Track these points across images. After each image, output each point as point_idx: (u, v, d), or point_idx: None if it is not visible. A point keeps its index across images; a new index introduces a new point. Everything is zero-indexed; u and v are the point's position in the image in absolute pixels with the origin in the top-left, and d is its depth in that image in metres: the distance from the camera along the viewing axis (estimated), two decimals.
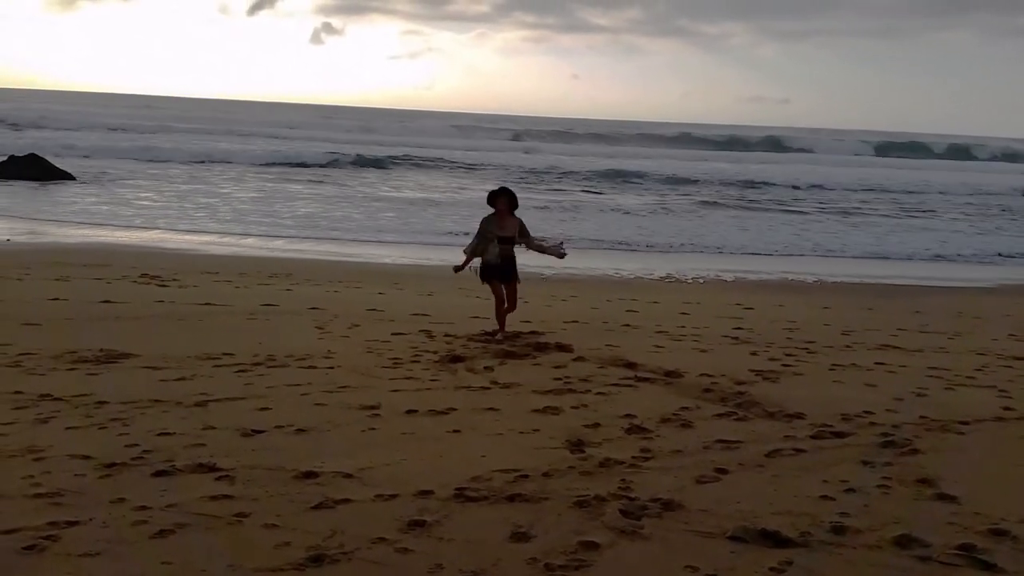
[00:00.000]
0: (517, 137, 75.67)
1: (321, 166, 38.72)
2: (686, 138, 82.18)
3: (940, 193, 38.96)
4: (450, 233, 20.26)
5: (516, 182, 34.60)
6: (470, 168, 42.32)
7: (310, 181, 32.97)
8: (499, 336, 9.00)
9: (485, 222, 9.27)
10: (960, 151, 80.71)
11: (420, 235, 20.78)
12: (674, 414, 6.41)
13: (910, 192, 38.98)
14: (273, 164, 37.85)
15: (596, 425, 6.08)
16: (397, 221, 23.09)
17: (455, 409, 6.39)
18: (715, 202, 31.86)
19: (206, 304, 10.29)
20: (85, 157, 35.50)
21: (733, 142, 79.72)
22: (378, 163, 41.27)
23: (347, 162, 40.59)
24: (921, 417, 6.51)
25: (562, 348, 8.60)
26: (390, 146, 50.02)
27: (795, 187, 39.05)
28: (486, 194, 9.47)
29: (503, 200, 9.19)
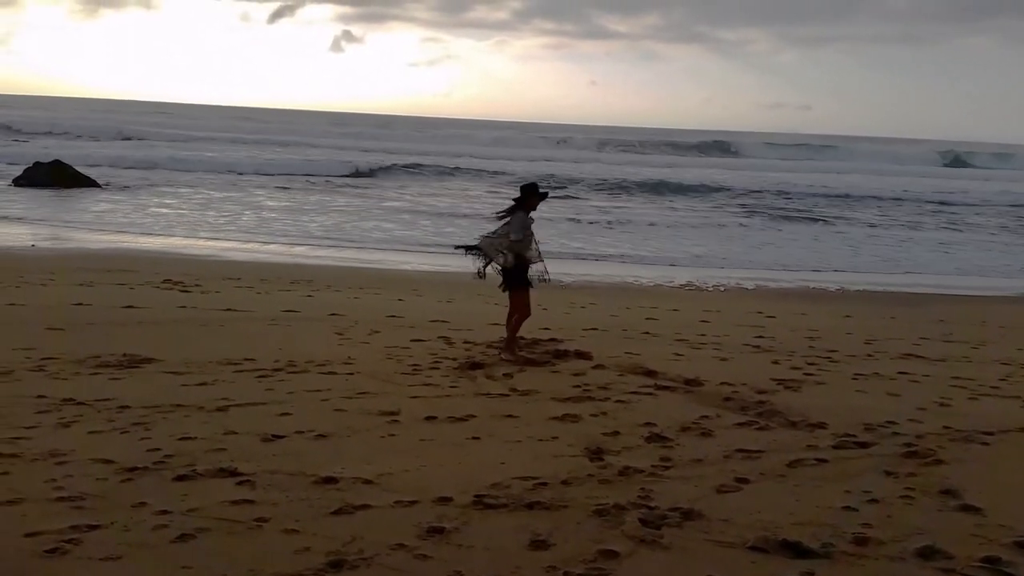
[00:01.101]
0: (561, 143, 75.46)
1: (346, 175, 38.70)
2: (721, 146, 79.82)
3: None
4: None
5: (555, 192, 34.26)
6: (494, 175, 42.19)
7: (335, 190, 33.13)
8: (505, 356, 8.42)
9: (527, 219, 8.39)
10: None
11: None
12: (694, 423, 6.37)
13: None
14: (295, 174, 37.80)
15: (615, 433, 6.05)
16: (431, 230, 22.95)
17: (474, 416, 6.38)
18: (806, 216, 30.73)
19: (228, 310, 10.35)
20: (110, 165, 35.82)
21: (769, 151, 77.86)
22: (404, 171, 41.35)
23: (373, 171, 40.65)
24: (944, 427, 6.44)
25: (581, 355, 8.57)
26: (417, 155, 49.96)
27: (847, 195, 38.25)
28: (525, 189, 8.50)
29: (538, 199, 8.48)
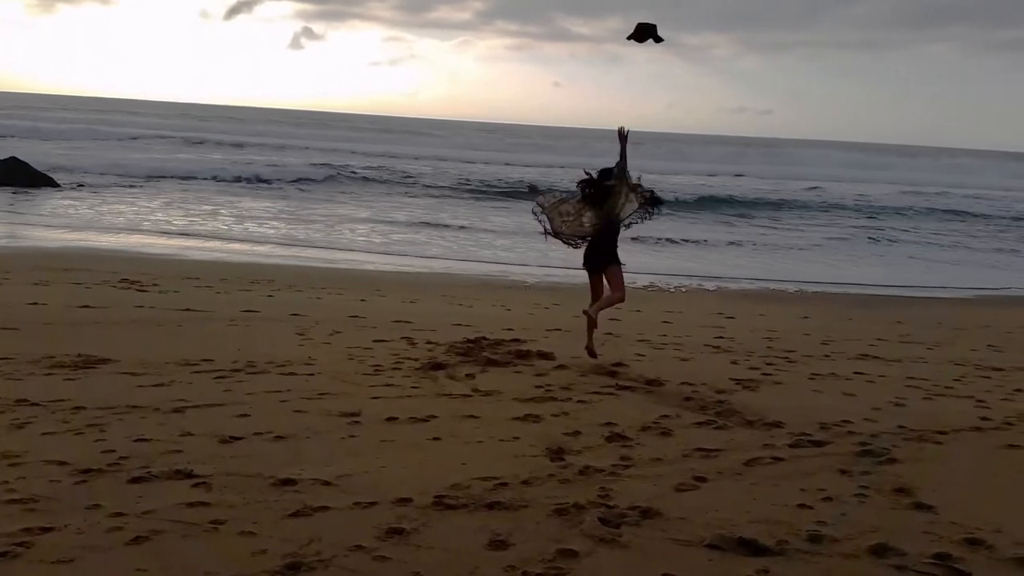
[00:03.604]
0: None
1: (307, 178, 37.97)
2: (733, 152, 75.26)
3: None
4: (499, 262, 18.62)
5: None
6: (458, 175, 41.93)
7: (295, 190, 32.86)
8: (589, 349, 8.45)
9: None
10: None
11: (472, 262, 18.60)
12: (654, 422, 6.42)
13: None
14: (254, 174, 36.84)
15: (576, 433, 6.08)
16: (393, 231, 22.78)
17: (436, 416, 6.37)
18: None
19: (186, 310, 10.22)
20: (67, 164, 34.99)
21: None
22: (364, 172, 41.01)
23: (334, 171, 40.04)
24: (899, 426, 6.54)
25: (544, 356, 8.59)
26: (380, 156, 49.59)
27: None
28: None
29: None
